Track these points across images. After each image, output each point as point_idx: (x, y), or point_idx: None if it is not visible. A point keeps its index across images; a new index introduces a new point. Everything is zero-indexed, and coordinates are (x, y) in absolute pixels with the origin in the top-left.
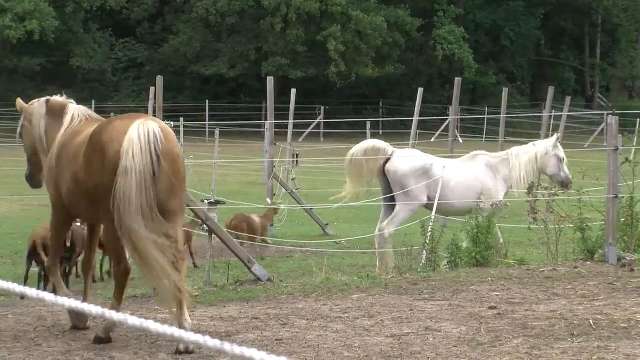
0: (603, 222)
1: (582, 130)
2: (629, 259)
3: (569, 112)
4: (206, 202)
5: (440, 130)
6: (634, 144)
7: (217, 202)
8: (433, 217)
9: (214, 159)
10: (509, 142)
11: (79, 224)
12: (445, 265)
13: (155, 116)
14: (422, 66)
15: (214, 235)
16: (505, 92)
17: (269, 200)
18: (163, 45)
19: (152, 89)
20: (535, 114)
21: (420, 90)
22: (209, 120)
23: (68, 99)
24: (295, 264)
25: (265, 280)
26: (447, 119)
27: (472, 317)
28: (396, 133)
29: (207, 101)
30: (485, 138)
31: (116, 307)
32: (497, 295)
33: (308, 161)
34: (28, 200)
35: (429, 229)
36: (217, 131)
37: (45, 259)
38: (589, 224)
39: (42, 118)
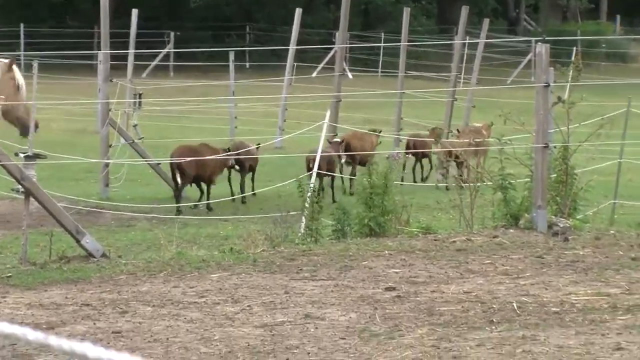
0: (530, 179)
1: (503, 62)
2: (562, 225)
3: (486, 38)
4: (21, 155)
5: (324, 62)
6: (569, 79)
7: (37, 156)
8: (314, 174)
9: (32, 100)
10: (411, 78)
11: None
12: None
13: None
14: None
15: (32, 199)
16: (406, 13)
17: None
18: None
19: None
20: (445, 42)
21: (298, 12)
22: (25, 50)
23: None
24: (138, 235)
25: (98, 256)
26: (332, 48)
27: (364, 301)
28: (267, 66)
29: (22, 25)
30: (382, 72)
31: None
32: (396, 272)
33: (154, 102)
34: None
35: (309, 189)
36: (35, 64)
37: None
38: (512, 182)
39: None
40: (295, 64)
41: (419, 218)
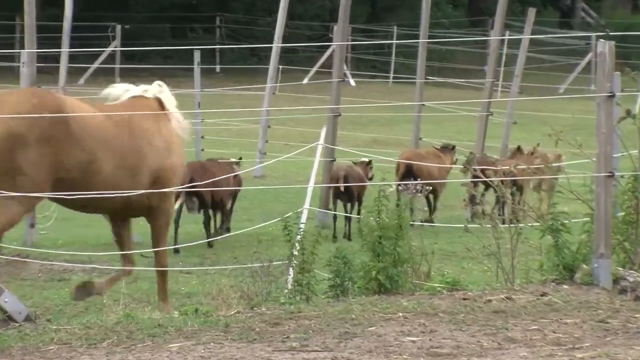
0: (589, 219)
1: (554, 65)
2: (631, 280)
3: (532, 33)
4: None
5: (318, 65)
6: None
7: None
8: (305, 210)
9: None
10: (433, 85)
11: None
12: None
13: None
14: None
15: None
16: (426, 0)
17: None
18: None
19: None
20: (477, 37)
21: None
22: None
23: None
24: None
25: (21, 320)
26: (329, 47)
27: None
28: (244, 69)
29: None
30: (394, 78)
31: None
32: (412, 342)
33: None
34: None
35: (299, 230)
36: None
37: None
38: (565, 222)
39: None
40: (281, 67)
41: (444, 269)
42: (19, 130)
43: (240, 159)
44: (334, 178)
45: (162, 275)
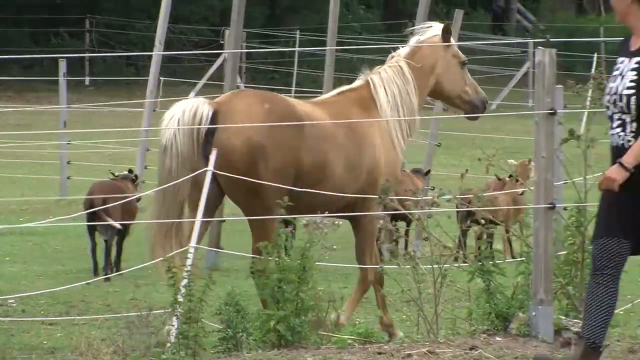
0: (525, 259)
1: (486, 77)
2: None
3: (459, 40)
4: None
5: (207, 76)
6: (587, 102)
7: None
8: (192, 249)
9: None
10: None
11: None
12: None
13: None
14: None
15: None
16: (334, 0)
17: None
18: None
19: None
20: (395, 45)
21: None
22: None
23: None
24: None
25: None
26: (220, 55)
27: None
28: (119, 82)
29: None
30: (297, 92)
31: None
32: None
33: None
34: None
35: (185, 273)
36: None
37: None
38: (498, 262)
39: None
40: (163, 79)
41: (355, 319)
42: (259, 139)
43: (135, 175)
44: None
45: (360, 293)
